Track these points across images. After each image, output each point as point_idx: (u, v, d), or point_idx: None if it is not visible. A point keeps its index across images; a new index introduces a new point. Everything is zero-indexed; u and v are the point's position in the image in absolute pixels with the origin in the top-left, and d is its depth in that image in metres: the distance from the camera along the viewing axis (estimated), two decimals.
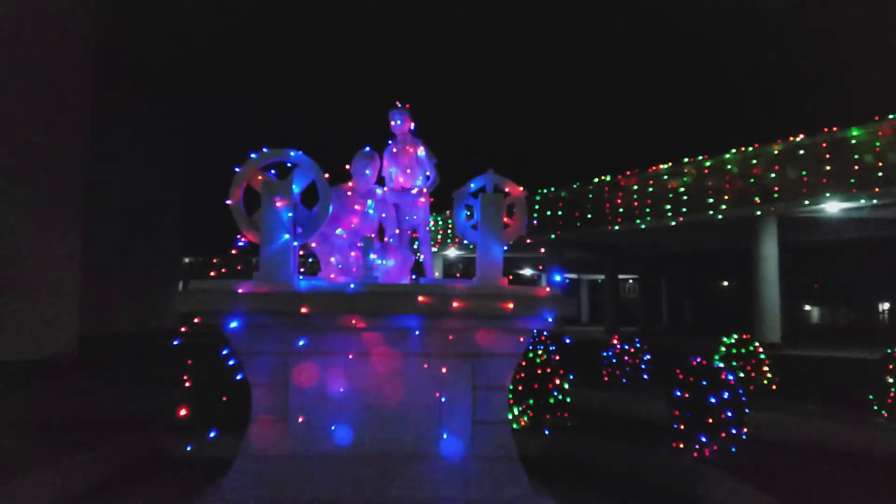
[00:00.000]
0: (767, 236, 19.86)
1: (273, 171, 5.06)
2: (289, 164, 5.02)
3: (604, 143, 39.47)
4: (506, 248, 5.33)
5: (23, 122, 14.20)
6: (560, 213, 25.53)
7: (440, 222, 30.04)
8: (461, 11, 43.42)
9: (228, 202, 4.98)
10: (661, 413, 6.96)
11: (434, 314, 4.81)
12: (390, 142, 6.05)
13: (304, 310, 4.63)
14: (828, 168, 17.21)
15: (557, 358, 7.92)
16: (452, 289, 4.83)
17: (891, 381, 7.41)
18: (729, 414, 6.11)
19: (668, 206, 21.29)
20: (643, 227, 22.45)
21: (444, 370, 5.04)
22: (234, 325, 4.80)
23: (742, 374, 9.46)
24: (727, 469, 5.66)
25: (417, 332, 4.99)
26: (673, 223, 21.34)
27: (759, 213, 19.24)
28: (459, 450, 4.98)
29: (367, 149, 5.67)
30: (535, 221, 25.68)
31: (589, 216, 24.34)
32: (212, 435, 5.50)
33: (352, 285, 4.81)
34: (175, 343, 5.73)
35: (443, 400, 5.03)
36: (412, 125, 6.03)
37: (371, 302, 4.74)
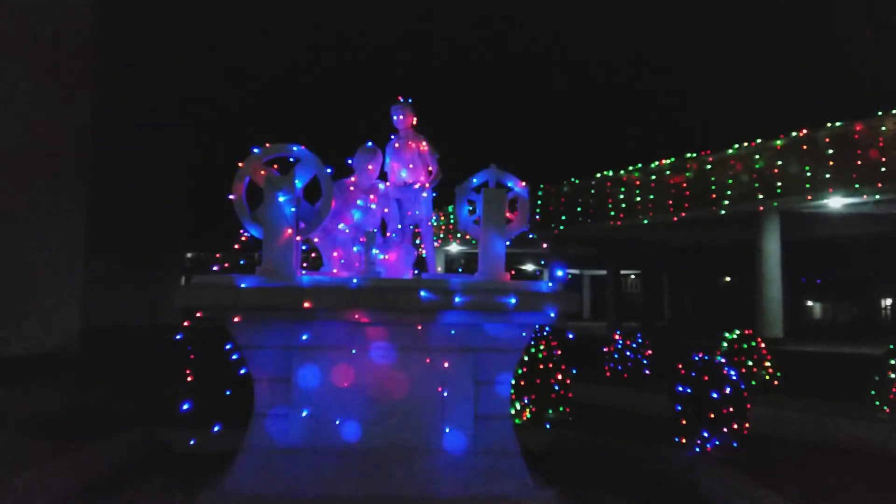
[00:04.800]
0: (770, 232, 19.80)
1: (275, 167, 5.07)
2: (291, 160, 5.03)
3: (606, 138, 39.41)
4: (508, 243, 5.34)
5: (25, 118, 14.21)
6: (562, 208, 25.47)
7: (442, 217, 30.02)
8: (464, 5, 43.35)
9: (231, 197, 4.99)
10: (663, 408, 6.97)
11: (436, 309, 4.82)
12: (392, 137, 6.06)
13: (306, 305, 4.64)
14: (831, 163, 17.15)
15: (559, 353, 7.93)
16: (455, 284, 4.84)
17: (893, 376, 7.41)
18: (731, 409, 6.12)
19: (671, 202, 21.24)
20: (645, 222, 22.42)
21: (446, 365, 5.06)
22: (237, 319, 4.82)
23: (744, 370, 9.45)
24: (729, 464, 5.67)
25: (420, 327, 5.01)
26: (675, 219, 21.30)
27: (761, 208, 19.20)
28: (462, 444, 5.00)
29: (370, 144, 5.69)
30: (537, 216, 25.63)
31: (591, 211, 24.29)
32: (216, 429, 5.53)
33: (354, 280, 4.83)
34: (178, 338, 5.73)
35: (445, 394, 5.05)
36: (414, 120, 6.03)
37: (374, 297, 4.75)
